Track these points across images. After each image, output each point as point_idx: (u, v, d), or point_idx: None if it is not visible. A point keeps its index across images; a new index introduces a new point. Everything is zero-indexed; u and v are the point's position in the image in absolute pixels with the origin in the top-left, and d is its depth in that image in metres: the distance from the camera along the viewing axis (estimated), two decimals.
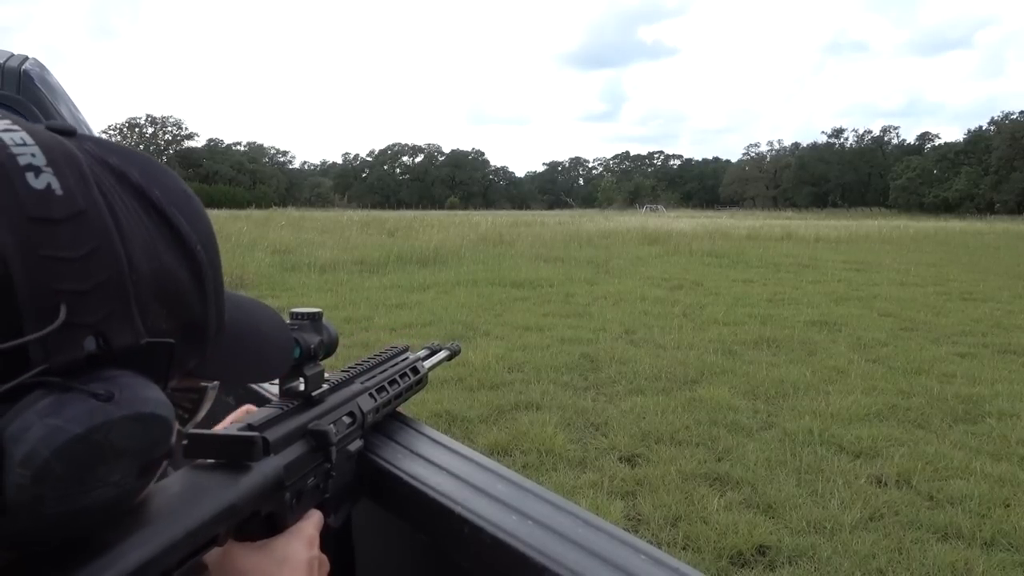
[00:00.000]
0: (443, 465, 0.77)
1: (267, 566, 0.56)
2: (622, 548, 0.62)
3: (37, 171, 0.36)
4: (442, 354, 0.99)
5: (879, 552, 2.96)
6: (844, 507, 3.33)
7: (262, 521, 0.57)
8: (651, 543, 0.64)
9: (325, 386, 0.70)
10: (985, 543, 3.07)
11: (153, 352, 0.40)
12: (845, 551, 2.97)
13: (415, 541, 0.80)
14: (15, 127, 0.38)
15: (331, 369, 0.80)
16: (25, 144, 0.37)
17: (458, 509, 0.68)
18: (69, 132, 0.41)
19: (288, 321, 0.67)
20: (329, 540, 0.67)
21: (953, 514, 3.30)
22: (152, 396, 0.39)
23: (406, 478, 0.74)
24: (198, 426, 0.56)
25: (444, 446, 0.82)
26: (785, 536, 3.08)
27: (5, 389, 0.35)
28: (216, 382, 0.54)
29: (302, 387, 0.67)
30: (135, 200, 0.41)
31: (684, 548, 3.03)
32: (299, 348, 0.65)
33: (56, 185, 0.37)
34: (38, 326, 0.35)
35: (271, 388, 0.85)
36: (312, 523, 0.63)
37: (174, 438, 0.42)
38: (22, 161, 0.36)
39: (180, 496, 0.48)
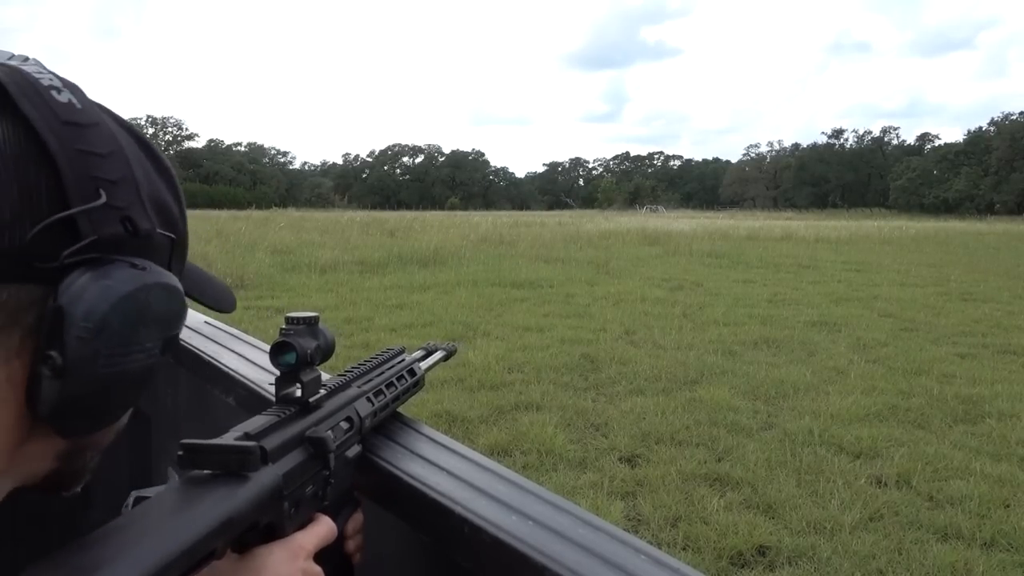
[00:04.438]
0: (443, 465, 0.77)
1: (240, 574, 0.55)
2: (622, 548, 0.62)
3: (58, 90, 0.44)
4: (438, 355, 0.98)
5: (879, 552, 2.97)
6: (844, 507, 3.33)
7: (260, 532, 0.56)
8: (651, 543, 0.64)
9: (322, 391, 0.69)
10: (985, 543, 3.07)
11: (161, 244, 0.48)
12: (845, 551, 2.97)
13: (415, 541, 0.80)
14: (28, 60, 0.46)
15: (329, 371, 0.81)
16: (42, 72, 0.44)
17: (458, 509, 0.68)
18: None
19: (283, 326, 0.66)
20: (328, 548, 0.65)
21: (953, 514, 3.30)
22: (170, 273, 0.47)
23: (406, 478, 0.74)
24: (190, 424, 0.56)
25: (444, 446, 0.82)
26: (785, 536, 3.08)
27: (68, 253, 0.41)
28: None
29: (299, 393, 0.65)
30: (128, 134, 0.50)
31: (684, 548, 3.04)
32: (295, 354, 0.64)
33: (75, 100, 0.44)
34: (84, 203, 0.42)
35: (269, 386, 0.85)
36: (311, 535, 0.61)
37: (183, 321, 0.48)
38: (44, 82, 0.43)
39: (176, 509, 0.47)
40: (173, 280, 0.47)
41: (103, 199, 0.42)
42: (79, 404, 0.43)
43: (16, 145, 0.41)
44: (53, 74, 0.45)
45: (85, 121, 0.44)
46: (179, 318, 0.47)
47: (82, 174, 0.42)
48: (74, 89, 0.45)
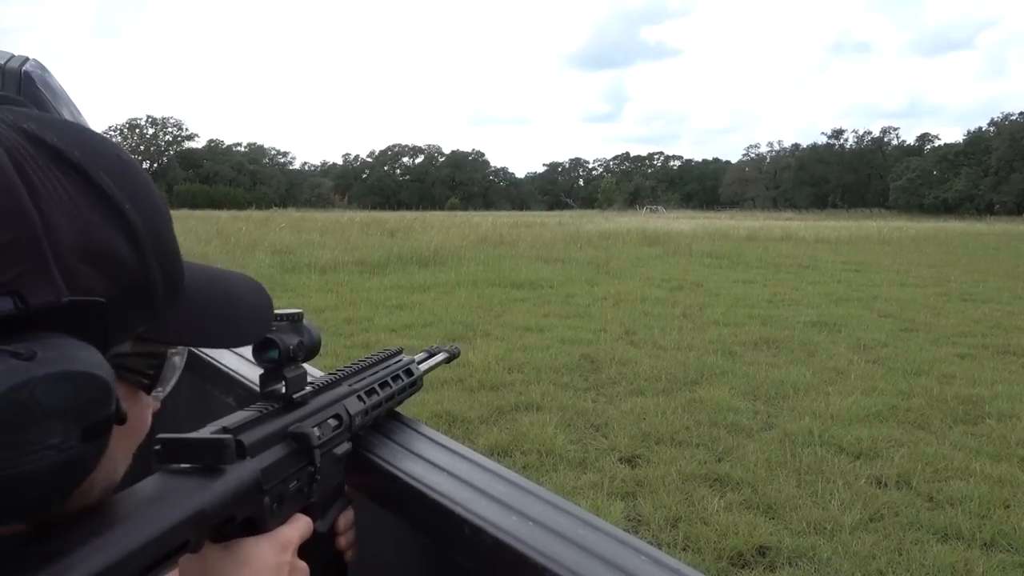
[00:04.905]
0: (443, 465, 0.77)
1: (226, 564, 0.55)
2: (622, 549, 0.62)
3: None
4: (440, 356, 0.98)
5: (879, 553, 2.97)
6: (844, 508, 3.33)
7: (240, 525, 0.56)
8: (651, 544, 0.64)
9: (309, 388, 0.69)
10: (985, 544, 3.07)
11: (84, 312, 0.39)
12: (845, 552, 2.97)
13: (415, 541, 0.80)
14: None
15: (327, 371, 0.81)
16: None
17: (458, 510, 0.68)
18: None
19: None
20: (318, 545, 0.66)
21: (953, 515, 3.30)
22: (82, 355, 0.38)
23: (406, 478, 0.74)
24: (190, 424, 0.55)
25: (444, 447, 0.82)
26: (785, 537, 3.08)
27: None
28: (181, 347, 0.53)
29: (283, 389, 0.66)
30: (51, 161, 0.41)
31: (684, 549, 3.04)
32: (278, 350, 0.64)
33: None
34: None
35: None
36: (293, 529, 0.61)
37: (115, 402, 0.41)
38: None
39: (147, 500, 0.47)
40: (81, 364, 0.38)
41: None
42: None
43: None
44: None
45: None
46: (97, 405, 0.39)
47: None
48: None
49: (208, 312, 0.53)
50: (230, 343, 0.60)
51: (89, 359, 0.39)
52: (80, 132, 0.44)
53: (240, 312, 0.58)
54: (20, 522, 0.39)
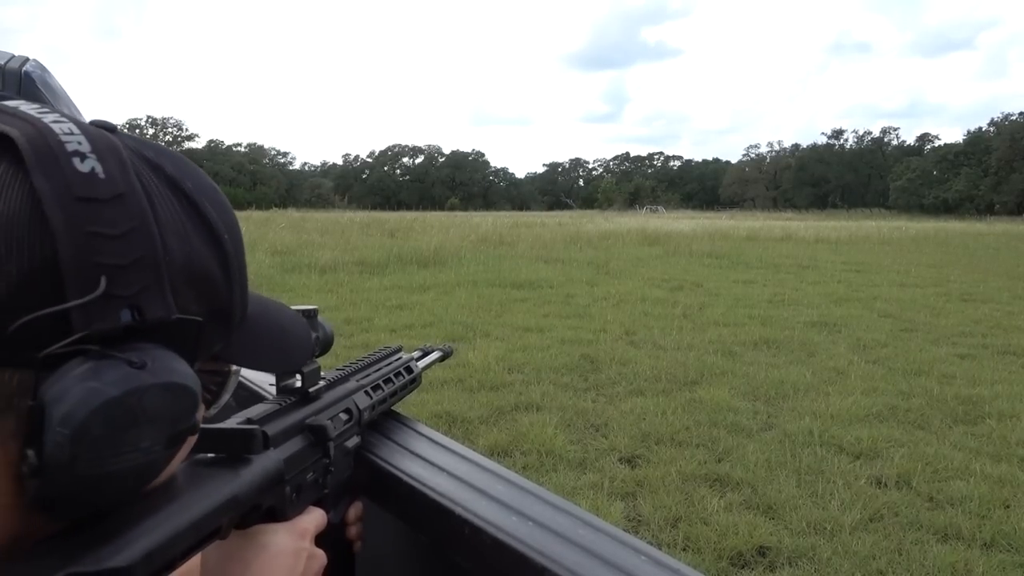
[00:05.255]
0: (443, 466, 0.77)
1: (246, 551, 0.57)
2: (622, 549, 0.62)
3: (83, 157, 0.40)
4: (435, 355, 1.00)
5: (879, 553, 2.97)
6: (844, 508, 3.33)
7: (263, 515, 0.58)
8: (651, 544, 0.64)
9: (322, 383, 0.71)
10: (985, 544, 3.07)
11: (183, 329, 0.43)
12: (845, 552, 2.97)
13: (415, 541, 0.81)
14: (63, 119, 0.42)
15: (328, 368, 0.81)
16: (72, 133, 0.41)
17: (458, 510, 0.68)
18: (110, 128, 0.45)
19: None
20: (329, 536, 0.67)
21: (953, 515, 3.30)
22: (181, 368, 0.42)
23: (406, 479, 0.75)
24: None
25: (444, 447, 0.82)
26: (785, 537, 3.08)
27: (49, 352, 0.37)
28: (239, 367, 0.56)
29: (299, 383, 0.67)
30: (168, 190, 0.45)
31: (684, 549, 3.04)
32: None
33: (100, 169, 0.40)
34: (80, 295, 0.38)
35: (269, 387, 0.86)
36: (311, 519, 0.63)
37: (199, 413, 0.44)
38: (70, 148, 0.40)
39: (184, 487, 0.49)
40: (181, 377, 0.42)
41: (101, 289, 0.38)
42: (62, 499, 0.39)
43: (22, 220, 0.38)
44: (88, 133, 0.41)
45: (105, 195, 0.40)
46: (186, 416, 0.43)
47: (85, 261, 0.38)
48: (106, 153, 0.41)
49: (263, 339, 0.56)
50: (279, 369, 0.65)
51: (186, 373, 0.42)
52: (188, 164, 0.48)
53: (289, 341, 0.61)
54: (77, 516, 0.41)
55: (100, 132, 0.43)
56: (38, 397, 0.37)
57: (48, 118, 0.41)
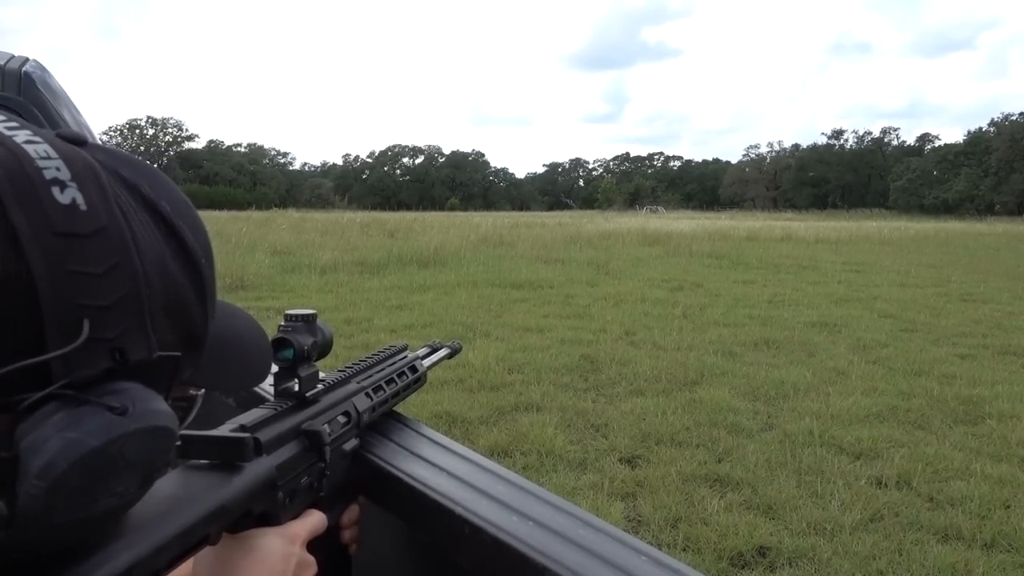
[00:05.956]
0: (443, 466, 0.77)
1: (235, 555, 0.57)
2: (623, 549, 0.62)
3: (63, 186, 0.36)
4: (442, 352, 0.99)
5: (879, 553, 2.96)
6: (844, 508, 3.33)
7: (255, 520, 0.58)
8: (651, 544, 0.64)
9: (320, 386, 0.71)
10: (985, 544, 3.07)
11: (162, 365, 0.41)
12: (845, 552, 2.97)
13: (415, 541, 0.81)
14: (37, 138, 0.38)
15: (329, 369, 0.81)
16: (49, 157, 0.37)
17: (458, 509, 0.68)
18: (80, 142, 0.41)
19: (282, 323, 0.68)
20: (324, 538, 0.67)
21: (953, 515, 3.30)
22: (162, 409, 0.40)
23: (406, 479, 0.75)
24: (192, 427, 0.56)
25: (444, 447, 0.82)
26: (785, 537, 3.08)
27: (28, 404, 0.35)
28: (203, 390, 0.55)
29: (296, 388, 0.67)
30: (146, 213, 0.42)
31: (684, 549, 3.03)
32: (292, 350, 0.66)
33: (80, 200, 0.37)
34: (62, 341, 0.35)
35: (270, 389, 0.85)
36: (304, 523, 0.63)
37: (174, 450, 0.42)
38: (48, 175, 0.36)
39: (171, 497, 0.49)
40: (162, 419, 0.39)
41: (84, 335, 0.35)
42: (30, 545, 0.37)
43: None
44: (65, 157, 0.37)
45: (86, 229, 0.36)
46: (164, 456, 0.41)
47: (67, 303, 0.35)
48: (86, 179, 0.38)
49: (225, 355, 0.53)
50: (241, 386, 0.61)
51: (166, 413, 0.40)
52: (164, 180, 0.45)
53: (249, 355, 0.58)
54: (44, 553, 0.39)
55: (76, 152, 0.39)
56: (13, 446, 0.35)
57: (20, 137, 0.37)
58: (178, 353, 0.41)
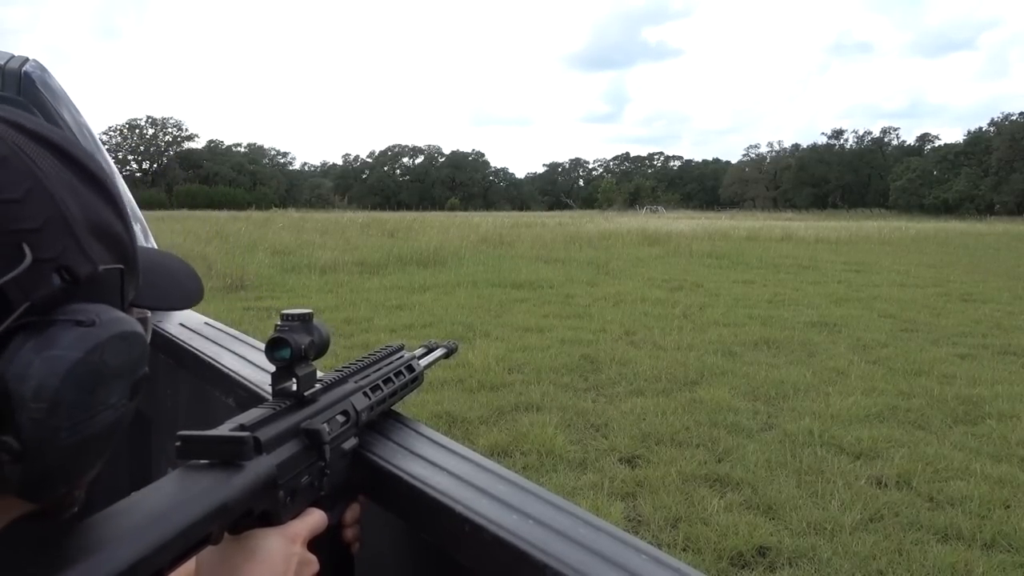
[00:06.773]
0: (443, 465, 0.77)
1: (236, 556, 0.57)
2: (623, 548, 0.62)
3: None
4: (439, 352, 1.00)
5: (879, 553, 2.97)
6: (844, 508, 3.33)
7: (256, 519, 0.58)
8: (652, 544, 0.64)
9: (318, 386, 0.71)
10: (985, 544, 3.07)
11: (109, 280, 0.43)
12: (845, 552, 2.97)
13: (415, 541, 0.81)
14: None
15: (327, 370, 0.81)
16: None
17: (459, 508, 0.68)
18: None
19: (279, 323, 0.68)
20: (326, 537, 0.67)
21: (953, 515, 3.30)
22: (125, 317, 0.42)
23: (406, 478, 0.75)
24: (192, 427, 0.56)
25: (444, 447, 0.82)
26: (785, 537, 3.08)
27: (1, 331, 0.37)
28: (148, 311, 0.57)
29: (294, 387, 0.68)
30: (48, 150, 0.43)
31: (684, 549, 3.04)
32: (289, 349, 0.66)
33: None
34: (8, 266, 0.37)
35: (268, 387, 0.86)
36: (305, 523, 0.63)
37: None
38: None
39: (172, 496, 0.49)
40: (129, 324, 0.42)
41: (28, 259, 0.37)
42: (46, 477, 0.39)
43: None
44: None
45: None
46: (143, 359, 0.43)
47: (1, 232, 0.37)
48: None
49: (158, 278, 0.57)
50: (179, 304, 0.63)
51: (131, 320, 0.42)
52: (37, 117, 0.49)
53: (180, 276, 0.62)
54: (60, 494, 0.41)
55: None
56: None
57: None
58: (121, 266, 0.44)
